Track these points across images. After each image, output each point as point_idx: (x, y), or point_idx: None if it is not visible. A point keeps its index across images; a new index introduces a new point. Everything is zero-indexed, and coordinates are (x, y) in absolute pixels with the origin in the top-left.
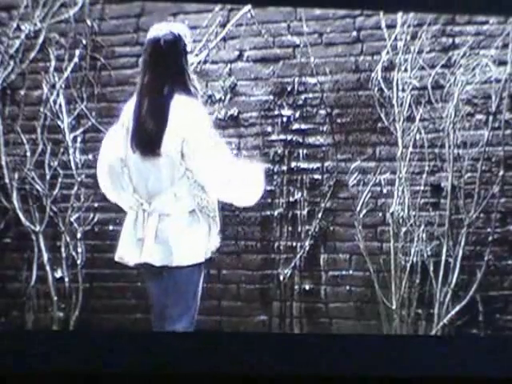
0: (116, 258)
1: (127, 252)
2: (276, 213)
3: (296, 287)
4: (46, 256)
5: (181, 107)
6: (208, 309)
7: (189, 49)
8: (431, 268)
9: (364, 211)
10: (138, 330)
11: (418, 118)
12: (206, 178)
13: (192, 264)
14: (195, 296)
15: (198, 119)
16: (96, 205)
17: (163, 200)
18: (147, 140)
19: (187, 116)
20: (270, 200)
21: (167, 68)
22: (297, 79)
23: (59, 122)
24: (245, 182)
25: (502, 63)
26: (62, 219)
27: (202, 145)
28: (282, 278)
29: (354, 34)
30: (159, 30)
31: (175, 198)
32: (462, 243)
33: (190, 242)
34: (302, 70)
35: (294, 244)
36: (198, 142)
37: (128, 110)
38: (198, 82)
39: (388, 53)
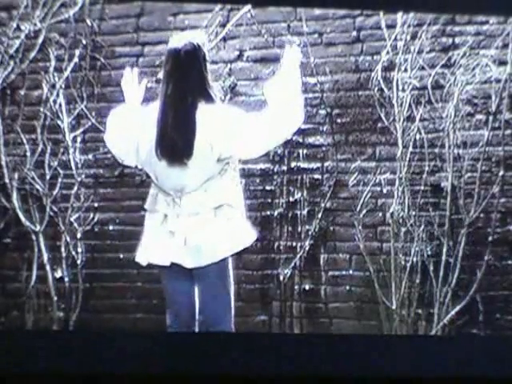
0: (140, 260)
1: (154, 253)
2: (276, 213)
3: (296, 287)
4: (45, 256)
5: (207, 115)
6: None
7: (207, 56)
8: (431, 268)
9: (364, 211)
10: (138, 329)
11: (417, 118)
12: (253, 138)
13: (223, 258)
14: (229, 294)
15: (227, 121)
16: (96, 205)
17: (193, 198)
18: (175, 150)
19: (215, 122)
20: (269, 200)
21: (189, 78)
22: None
23: (59, 122)
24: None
25: (502, 63)
26: (62, 219)
27: (240, 134)
28: (281, 277)
29: (354, 33)
30: (179, 41)
31: (205, 193)
32: (462, 243)
33: (220, 238)
34: (302, 70)
35: (294, 244)
36: (232, 138)
37: (151, 116)
38: (217, 89)
39: (388, 53)
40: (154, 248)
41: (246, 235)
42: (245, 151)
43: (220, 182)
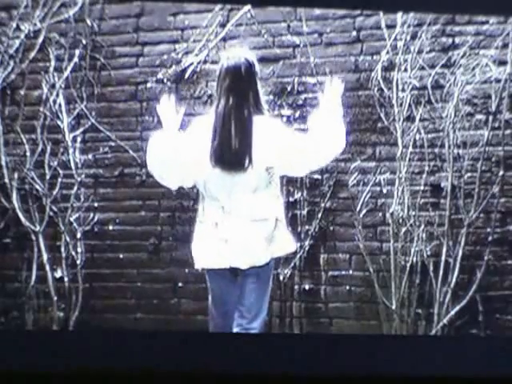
0: (198, 266)
1: (210, 259)
2: None
3: (296, 287)
4: (45, 256)
5: (261, 126)
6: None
7: (258, 72)
8: (431, 268)
9: (364, 211)
10: (138, 329)
11: (417, 117)
12: (296, 156)
13: (270, 261)
14: (268, 297)
15: (275, 133)
16: (96, 205)
17: (242, 206)
18: (234, 158)
19: (269, 133)
20: None
21: (247, 93)
22: (297, 79)
23: (59, 122)
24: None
25: (502, 63)
26: (61, 219)
27: (287, 148)
28: (281, 277)
29: (354, 33)
30: (237, 58)
31: (253, 204)
32: (462, 243)
33: (268, 243)
34: (302, 70)
35: None
36: (283, 149)
37: (202, 126)
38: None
39: (388, 53)
40: (210, 254)
41: (291, 243)
42: (289, 168)
43: (266, 193)
